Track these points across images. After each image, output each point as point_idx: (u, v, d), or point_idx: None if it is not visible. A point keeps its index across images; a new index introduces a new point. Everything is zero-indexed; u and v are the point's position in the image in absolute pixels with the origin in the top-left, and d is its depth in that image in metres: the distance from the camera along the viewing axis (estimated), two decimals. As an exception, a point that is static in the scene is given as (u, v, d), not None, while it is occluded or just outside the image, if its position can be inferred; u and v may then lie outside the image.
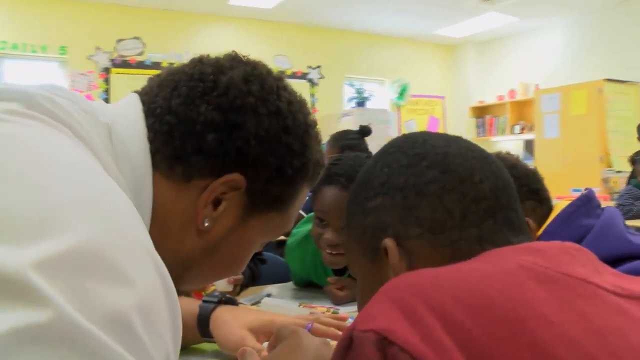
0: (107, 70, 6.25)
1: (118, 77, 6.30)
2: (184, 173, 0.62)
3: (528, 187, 1.04)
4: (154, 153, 0.61)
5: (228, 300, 1.12)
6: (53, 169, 0.45)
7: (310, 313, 1.36)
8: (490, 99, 8.49)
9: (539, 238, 0.96)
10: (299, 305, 1.49)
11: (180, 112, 0.62)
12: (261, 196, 0.66)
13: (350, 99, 7.77)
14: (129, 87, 6.28)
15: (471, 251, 0.60)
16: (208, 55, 0.69)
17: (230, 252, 0.69)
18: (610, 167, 6.37)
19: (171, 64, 6.52)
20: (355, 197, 0.71)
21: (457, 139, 0.69)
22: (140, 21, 6.43)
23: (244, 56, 0.70)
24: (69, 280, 0.38)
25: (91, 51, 6.17)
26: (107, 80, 6.24)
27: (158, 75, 0.68)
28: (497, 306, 0.47)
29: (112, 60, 6.28)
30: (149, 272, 0.44)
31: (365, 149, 3.14)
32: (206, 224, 0.64)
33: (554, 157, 6.98)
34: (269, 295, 1.60)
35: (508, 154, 1.19)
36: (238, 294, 1.51)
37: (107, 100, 6.18)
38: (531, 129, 7.68)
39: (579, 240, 0.89)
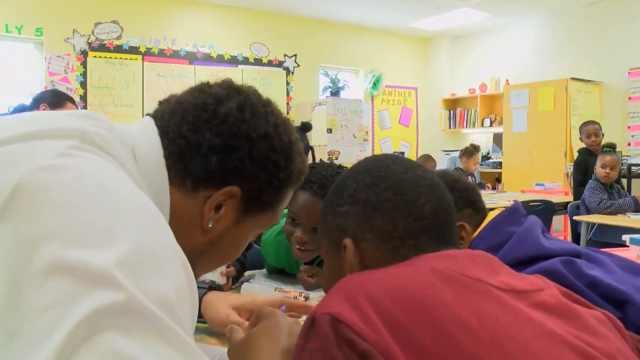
0: (84, 53, 6.26)
1: (95, 61, 6.31)
2: (193, 186, 0.78)
3: (467, 197, 1.23)
4: (169, 169, 0.77)
5: (217, 287, 1.30)
6: (112, 193, 0.61)
7: (285, 297, 1.51)
8: (461, 92, 8.71)
9: (474, 240, 1.15)
10: (275, 290, 1.63)
11: (189, 137, 0.77)
12: (253, 203, 0.82)
13: (325, 88, 7.88)
14: (106, 71, 6.32)
15: (407, 256, 0.79)
16: (208, 83, 0.85)
17: (229, 244, 0.86)
18: (572, 162, 6.62)
19: (149, 48, 6.57)
20: (329, 201, 0.90)
21: (415, 167, 0.87)
22: (118, 5, 6.45)
23: (238, 85, 0.86)
24: (133, 273, 0.53)
25: (68, 34, 6.17)
26: (84, 64, 6.25)
27: (168, 101, 0.84)
28: (412, 298, 0.66)
29: (89, 43, 6.29)
30: (179, 268, 0.61)
31: (307, 144, 3.37)
32: (210, 225, 0.80)
33: (521, 150, 7.24)
34: (248, 281, 1.76)
35: (450, 172, 1.42)
36: (232, 286, 1.68)
37: (84, 82, 6.23)
38: (500, 122, 7.91)
39: (503, 244, 1.08)
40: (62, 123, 0.68)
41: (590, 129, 5.18)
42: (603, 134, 5.22)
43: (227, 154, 0.78)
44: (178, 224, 0.76)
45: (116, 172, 0.66)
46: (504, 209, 1.16)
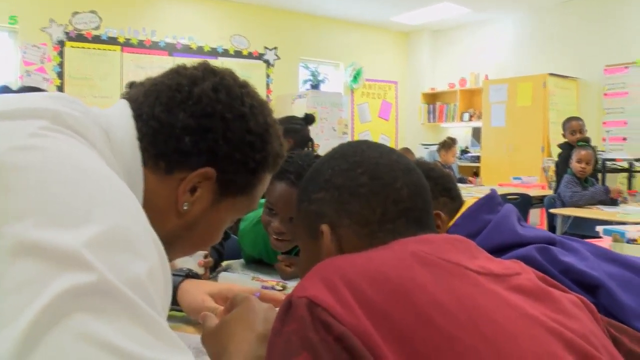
0: (61, 43, 6.15)
1: (73, 51, 6.21)
2: (167, 168, 0.76)
3: (442, 185, 1.24)
4: (143, 151, 0.75)
5: (193, 275, 1.29)
6: (85, 174, 0.59)
7: (262, 286, 1.51)
8: (441, 86, 8.76)
9: (450, 228, 1.16)
10: (252, 279, 1.63)
11: (162, 118, 0.76)
12: (229, 184, 0.81)
13: (305, 81, 7.87)
14: (84, 62, 6.21)
15: (385, 240, 0.78)
16: (184, 65, 0.84)
17: (205, 228, 0.84)
18: (550, 157, 6.70)
19: (128, 39, 6.49)
20: (304, 188, 0.89)
21: (390, 152, 0.87)
22: (96, -6, 6.36)
23: (215, 67, 0.84)
24: (105, 254, 0.52)
25: (44, 23, 6.06)
26: (61, 54, 6.15)
27: (143, 84, 0.83)
28: (390, 281, 0.66)
29: (66, 33, 6.18)
30: (152, 249, 0.60)
31: (307, 135, 3.31)
32: (185, 208, 0.78)
33: (499, 145, 7.30)
34: (225, 270, 1.76)
35: (425, 161, 1.42)
36: (209, 275, 1.67)
37: (61, 73, 6.13)
38: (479, 117, 7.97)
39: (479, 231, 1.09)
40: (33, 103, 0.66)
41: (574, 124, 5.20)
42: (586, 130, 5.27)
43: (201, 135, 0.76)
44: (152, 207, 0.74)
45: (89, 154, 0.65)
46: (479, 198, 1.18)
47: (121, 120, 0.76)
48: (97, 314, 0.49)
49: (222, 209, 0.83)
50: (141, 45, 6.64)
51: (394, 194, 0.81)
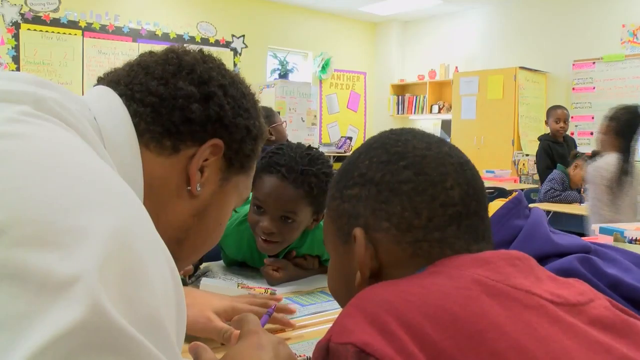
0: (16, 25, 5.82)
1: (29, 34, 5.88)
2: (173, 144, 0.70)
3: None
4: (142, 134, 0.68)
5: (183, 282, 1.15)
6: (75, 171, 0.47)
7: (249, 294, 1.36)
8: (410, 78, 8.69)
9: None
10: (238, 287, 1.48)
11: (161, 91, 0.71)
12: (235, 156, 0.77)
13: (273, 70, 7.71)
14: (42, 46, 5.91)
15: (431, 253, 0.65)
16: (151, 52, 0.79)
17: (214, 216, 0.79)
18: (520, 150, 6.71)
19: (89, 24, 6.21)
20: (337, 182, 0.75)
21: (441, 143, 0.73)
22: (54, -25, 6.04)
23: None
24: (106, 281, 0.40)
25: (-3, 3, 5.74)
26: (16, 36, 5.81)
27: (122, 68, 0.76)
28: (459, 320, 0.52)
29: (22, 14, 5.85)
30: (163, 264, 0.48)
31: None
32: (198, 189, 0.73)
33: (469, 137, 7.28)
34: (205, 275, 1.60)
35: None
36: (189, 281, 1.52)
37: (16, 57, 5.80)
38: (449, 109, 7.94)
39: (511, 240, 0.97)
40: (10, 86, 0.55)
41: (560, 113, 4.98)
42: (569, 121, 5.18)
43: (205, 100, 0.73)
44: (160, 195, 0.68)
45: (80, 146, 0.53)
46: (506, 200, 1.05)
47: (110, 107, 0.67)
48: None
49: (228, 190, 0.79)
50: (103, 30, 6.35)
51: (442, 194, 0.66)
